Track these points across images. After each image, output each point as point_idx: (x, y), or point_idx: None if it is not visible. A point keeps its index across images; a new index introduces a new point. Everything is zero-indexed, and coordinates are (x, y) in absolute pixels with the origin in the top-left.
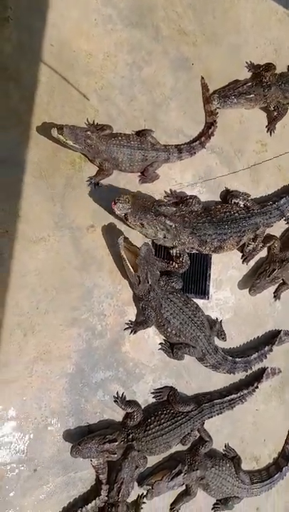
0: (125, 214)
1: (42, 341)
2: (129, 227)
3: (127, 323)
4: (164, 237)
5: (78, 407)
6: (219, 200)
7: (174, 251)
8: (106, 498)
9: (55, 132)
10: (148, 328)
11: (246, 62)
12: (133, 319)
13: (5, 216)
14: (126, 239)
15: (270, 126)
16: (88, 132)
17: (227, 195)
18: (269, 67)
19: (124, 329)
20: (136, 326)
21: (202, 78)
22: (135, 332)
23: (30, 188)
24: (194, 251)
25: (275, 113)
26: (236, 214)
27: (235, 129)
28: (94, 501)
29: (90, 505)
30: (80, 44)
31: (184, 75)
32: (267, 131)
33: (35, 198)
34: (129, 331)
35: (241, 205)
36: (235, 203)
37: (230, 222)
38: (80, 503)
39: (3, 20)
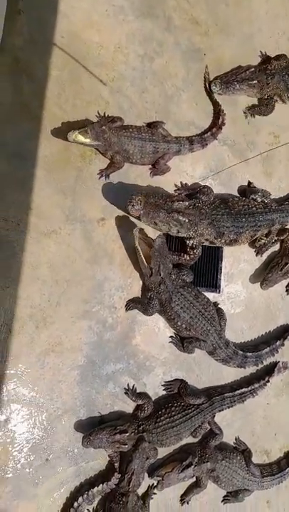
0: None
1: (53, 333)
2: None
3: (126, 305)
4: (178, 232)
5: (89, 399)
6: (230, 192)
7: (191, 242)
8: (114, 486)
9: (72, 136)
10: (145, 314)
11: (260, 52)
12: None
13: (16, 209)
14: (141, 230)
15: (251, 112)
16: (104, 127)
17: (246, 190)
18: (280, 57)
19: (125, 306)
20: (135, 304)
21: (206, 67)
22: (131, 308)
23: (42, 182)
24: (207, 243)
25: (264, 104)
26: (254, 208)
27: (247, 120)
28: (101, 485)
29: (96, 488)
30: (91, 36)
31: (196, 66)
32: (244, 113)
33: (46, 191)
34: (127, 307)
35: (259, 201)
36: (253, 198)
37: (247, 215)
38: (87, 487)
39: (15, 13)
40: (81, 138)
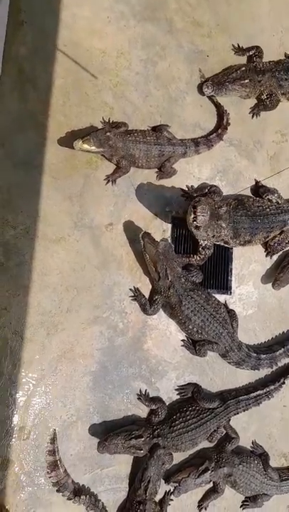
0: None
1: (65, 340)
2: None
3: (131, 290)
4: (213, 237)
5: (103, 405)
6: (237, 193)
7: (206, 243)
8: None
9: (77, 145)
10: (143, 312)
11: (237, 45)
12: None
13: (25, 217)
14: (148, 234)
15: (255, 111)
16: (108, 134)
17: (259, 189)
18: (260, 52)
19: (130, 296)
20: (140, 298)
21: (200, 70)
22: (134, 299)
23: (49, 189)
24: (222, 243)
25: (268, 101)
26: (267, 209)
27: (253, 120)
28: None
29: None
30: (93, 43)
31: (200, 68)
32: (249, 113)
33: (54, 198)
34: (133, 297)
35: (274, 202)
36: (269, 199)
37: (262, 216)
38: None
39: (18, 24)
40: (86, 146)
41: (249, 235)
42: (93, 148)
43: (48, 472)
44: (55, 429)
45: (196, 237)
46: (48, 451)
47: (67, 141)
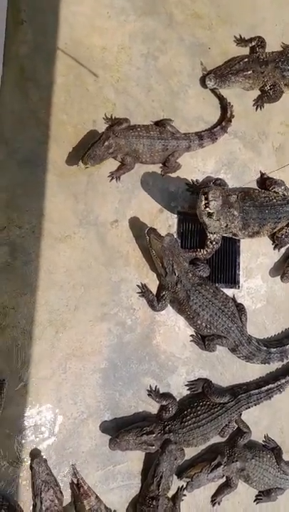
0: (212, 212)
1: (74, 338)
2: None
3: (139, 286)
4: (226, 227)
5: (113, 402)
6: (243, 185)
7: (214, 236)
8: None
9: (82, 166)
10: (151, 308)
11: (239, 36)
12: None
13: (30, 216)
14: (153, 230)
15: (259, 102)
16: (106, 143)
17: (265, 182)
18: (263, 42)
19: (138, 292)
20: (147, 294)
21: (201, 63)
22: (142, 295)
23: (54, 187)
24: (230, 235)
25: (271, 92)
26: (274, 200)
27: (257, 111)
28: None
29: None
30: (93, 39)
31: (201, 61)
32: (253, 105)
33: (58, 196)
34: (140, 294)
35: (280, 194)
36: (275, 191)
37: (269, 207)
38: None
39: (18, 23)
40: (89, 165)
41: (258, 225)
42: (97, 164)
43: (80, 502)
44: (73, 465)
45: (208, 228)
46: (75, 484)
47: (70, 138)
